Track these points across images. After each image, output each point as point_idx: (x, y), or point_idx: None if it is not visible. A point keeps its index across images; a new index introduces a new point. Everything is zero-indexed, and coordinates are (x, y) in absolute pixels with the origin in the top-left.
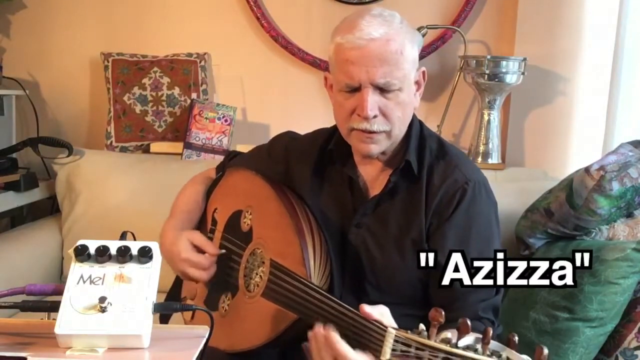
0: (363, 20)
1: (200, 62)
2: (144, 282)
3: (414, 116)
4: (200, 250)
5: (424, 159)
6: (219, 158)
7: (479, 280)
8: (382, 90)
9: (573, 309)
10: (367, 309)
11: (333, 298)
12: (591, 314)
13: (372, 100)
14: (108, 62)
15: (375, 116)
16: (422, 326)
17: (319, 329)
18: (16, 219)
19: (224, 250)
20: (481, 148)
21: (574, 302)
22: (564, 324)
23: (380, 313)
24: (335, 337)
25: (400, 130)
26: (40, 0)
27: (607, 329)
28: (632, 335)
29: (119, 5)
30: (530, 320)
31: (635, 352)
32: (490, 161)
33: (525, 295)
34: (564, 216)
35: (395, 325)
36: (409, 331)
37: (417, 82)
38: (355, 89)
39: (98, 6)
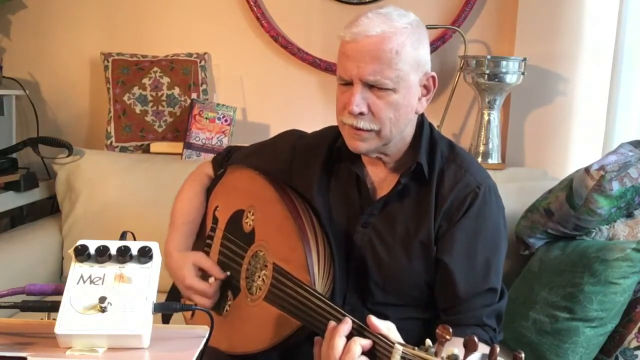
0: (365, 17)
1: (200, 62)
2: (144, 282)
3: (424, 118)
4: (206, 273)
5: (435, 162)
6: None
7: (484, 284)
8: (373, 88)
9: (573, 309)
10: (375, 321)
11: (339, 309)
12: (591, 314)
13: (360, 97)
14: (108, 62)
15: (362, 113)
16: (428, 342)
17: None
18: (16, 219)
19: (229, 273)
20: (481, 148)
21: (574, 302)
22: (564, 324)
23: (388, 328)
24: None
25: (392, 132)
26: (40, 0)
27: (607, 329)
28: (632, 335)
29: (119, 5)
30: (530, 320)
31: (635, 352)
32: (490, 161)
33: (525, 295)
34: (564, 216)
35: (402, 341)
36: (415, 347)
37: (425, 87)
38: (349, 83)
39: (98, 6)
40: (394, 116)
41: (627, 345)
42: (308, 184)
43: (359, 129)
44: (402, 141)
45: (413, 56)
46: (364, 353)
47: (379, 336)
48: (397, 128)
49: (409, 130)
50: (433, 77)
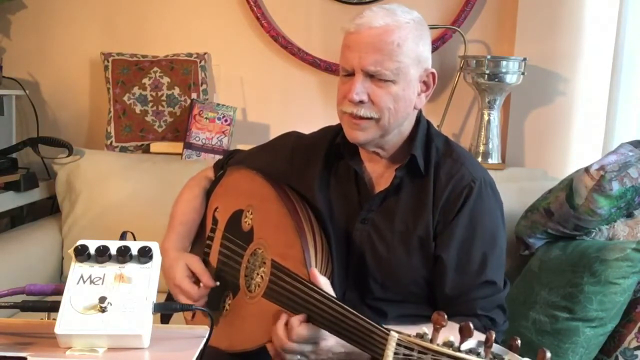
0: (370, 10)
1: (200, 62)
2: (144, 282)
3: (421, 115)
4: (197, 277)
5: (431, 157)
6: (219, 158)
7: (479, 278)
8: (374, 78)
9: (573, 309)
10: (316, 271)
11: (335, 300)
12: (591, 314)
13: (361, 86)
14: (108, 62)
15: (362, 102)
16: (424, 329)
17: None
18: (16, 219)
19: (217, 283)
20: (481, 148)
21: (574, 302)
22: (564, 324)
23: (325, 284)
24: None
25: (390, 122)
26: (40, 0)
27: (607, 329)
28: (632, 335)
29: (119, 5)
30: (530, 320)
31: (635, 352)
32: (490, 161)
33: (525, 295)
34: (564, 216)
35: (331, 290)
36: (411, 335)
37: (424, 83)
38: (350, 74)
39: (98, 6)
40: (393, 107)
41: (627, 345)
42: (309, 182)
43: (359, 117)
44: (399, 135)
45: (414, 51)
46: (361, 343)
47: (375, 325)
48: (396, 120)
49: (407, 126)
50: (433, 73)
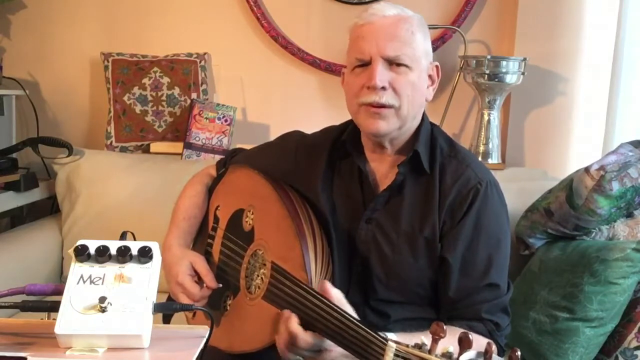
0: (378, 4)
1: (200, 62)
2: (144, 282)
3: (425, 115)
4: (200, 277)
5: (435, 156)
6: (219, 158)
7: (483, 280)
8: (392, 64)
9: (573, 309)
10: (328, 286)
11: (334, 307)
12: (591, 314)
13: (382, 72)
14: (108, 62)
15: (384, 88)
16: (423, 339)
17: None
18: (16, 219)
19: (220, 285)
20: (481, 148)
21: (574, 302)
22: (564, 324)
23: (338, 299)
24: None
25: (408, 111)
26: (40, 0)
27: (607, 329)
28: (632, 335)
29: (119, 5)
30: (530, 320)
31: (635, 352)
32: (490, 161)
33: (525, 295)
34: (564, 216)
35: (352, 312)
36: (409, 345)
37: (430, 76)
38: (366, 64)
39: (98, 6)
40: (411, 94)
41: (627, 345)
42: (312, 181)
43: (381, 106)
44: (407, 131)
45: (424, 43)
46: (358, 351)
47: (373, 334)
48: (413, 108)
49: (415, 122)
50: (437, 66)
